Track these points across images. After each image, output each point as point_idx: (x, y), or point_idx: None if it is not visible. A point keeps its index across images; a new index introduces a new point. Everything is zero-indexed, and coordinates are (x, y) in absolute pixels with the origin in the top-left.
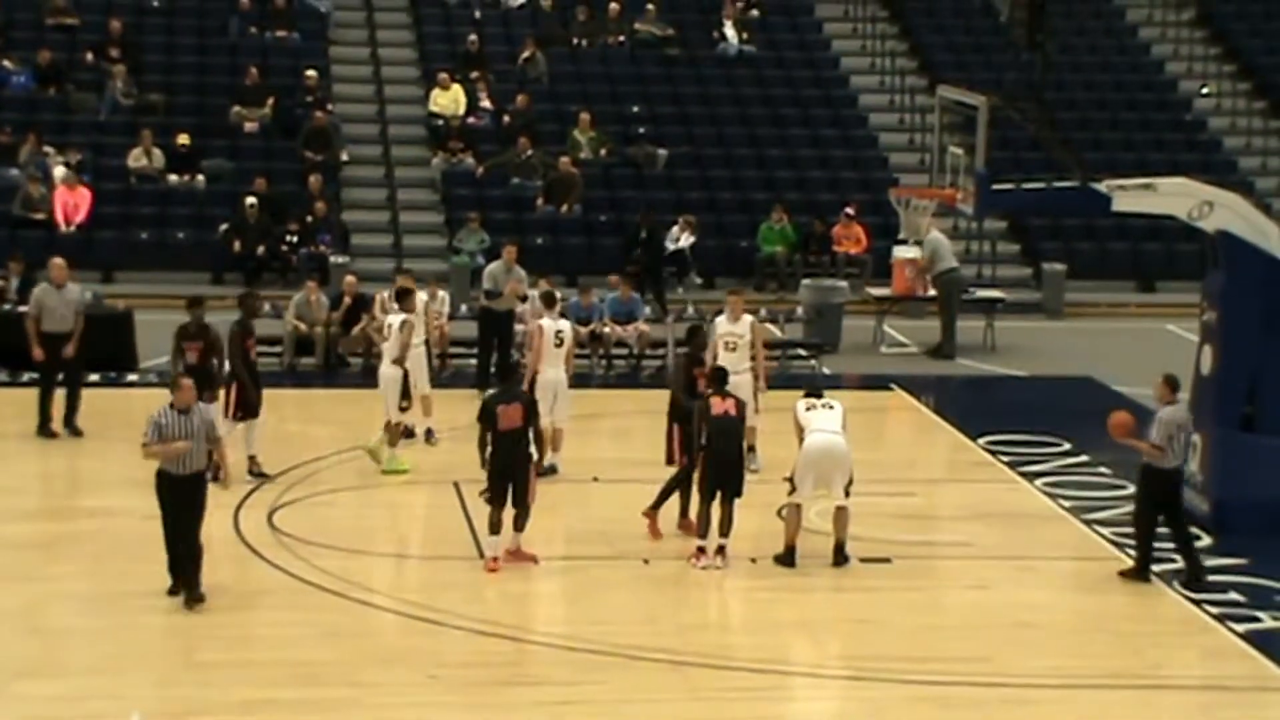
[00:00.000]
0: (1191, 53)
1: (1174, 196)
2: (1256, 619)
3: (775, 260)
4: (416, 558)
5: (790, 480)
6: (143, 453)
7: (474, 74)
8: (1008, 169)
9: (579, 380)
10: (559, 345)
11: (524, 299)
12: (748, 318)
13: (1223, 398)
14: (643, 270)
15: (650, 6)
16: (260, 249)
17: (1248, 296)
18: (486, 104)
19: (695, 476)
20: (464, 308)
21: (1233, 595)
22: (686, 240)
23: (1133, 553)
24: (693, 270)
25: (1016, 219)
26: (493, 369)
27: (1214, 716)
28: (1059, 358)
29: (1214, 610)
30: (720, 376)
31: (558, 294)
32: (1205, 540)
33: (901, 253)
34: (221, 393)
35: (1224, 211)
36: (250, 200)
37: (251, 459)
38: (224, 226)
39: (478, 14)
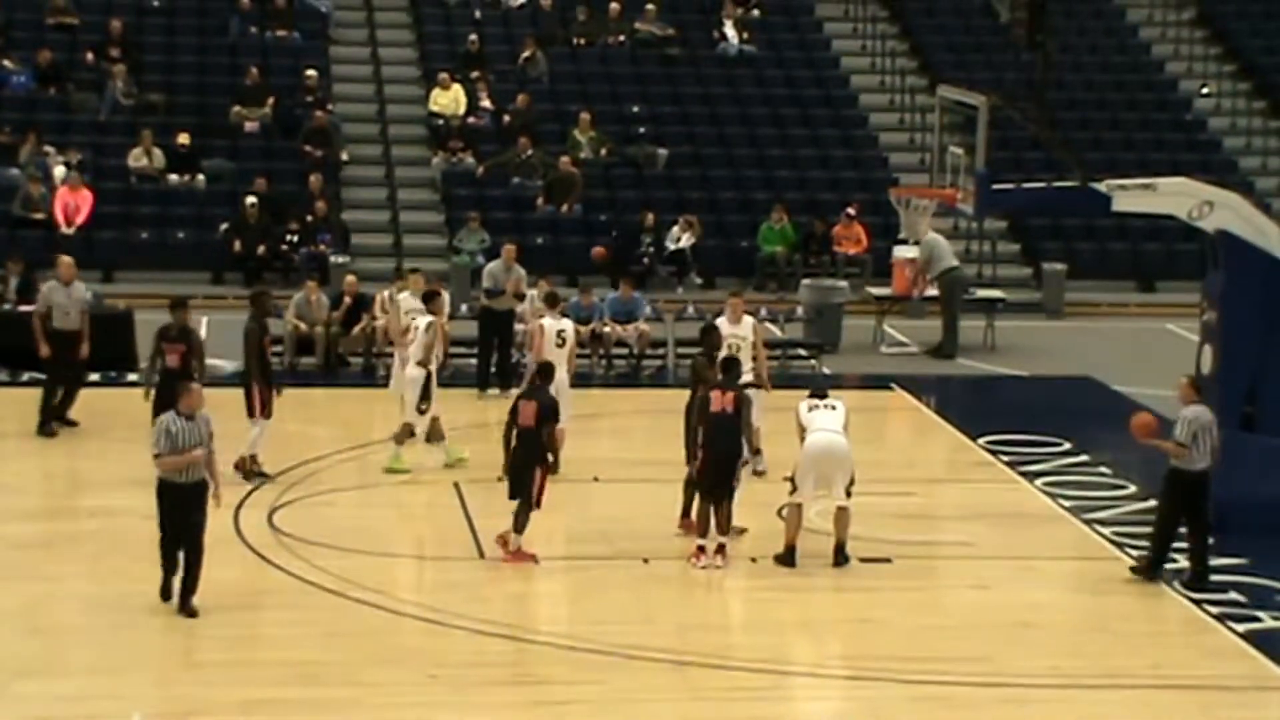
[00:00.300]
0: (1192, 53)
1: (1174, 196)
2: (1257, 619)
3: (775, 260)
4: (417, 558)
5: (791, 480)
6: (157, 464)
7: (474, 74)
8: (1008, 169)
9: (579, 380)
10: (560, 345)
11: (522, 298)
12: (749, 319)
13: (1223, 398)
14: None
15: (650, 6)
16: (260, 249)
17: (1248, 296)
18: (487, 104)
19: (693, 474)
20: (464, 307)
21: (1233, 595)
22: (687, 240)
23: (1133, 550)
24: (693, 270)
25: (1017, 219)
26: (493, 369)
27: (1214, 716)
28: (1059, 358)
29: (1214, 610)
30: (732, 367)
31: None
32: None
33: (902, 253)
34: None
35: (1224, 211)
36: (250, 200)
37: (252, 459)
38: (224, 226)
39: (478, 14)
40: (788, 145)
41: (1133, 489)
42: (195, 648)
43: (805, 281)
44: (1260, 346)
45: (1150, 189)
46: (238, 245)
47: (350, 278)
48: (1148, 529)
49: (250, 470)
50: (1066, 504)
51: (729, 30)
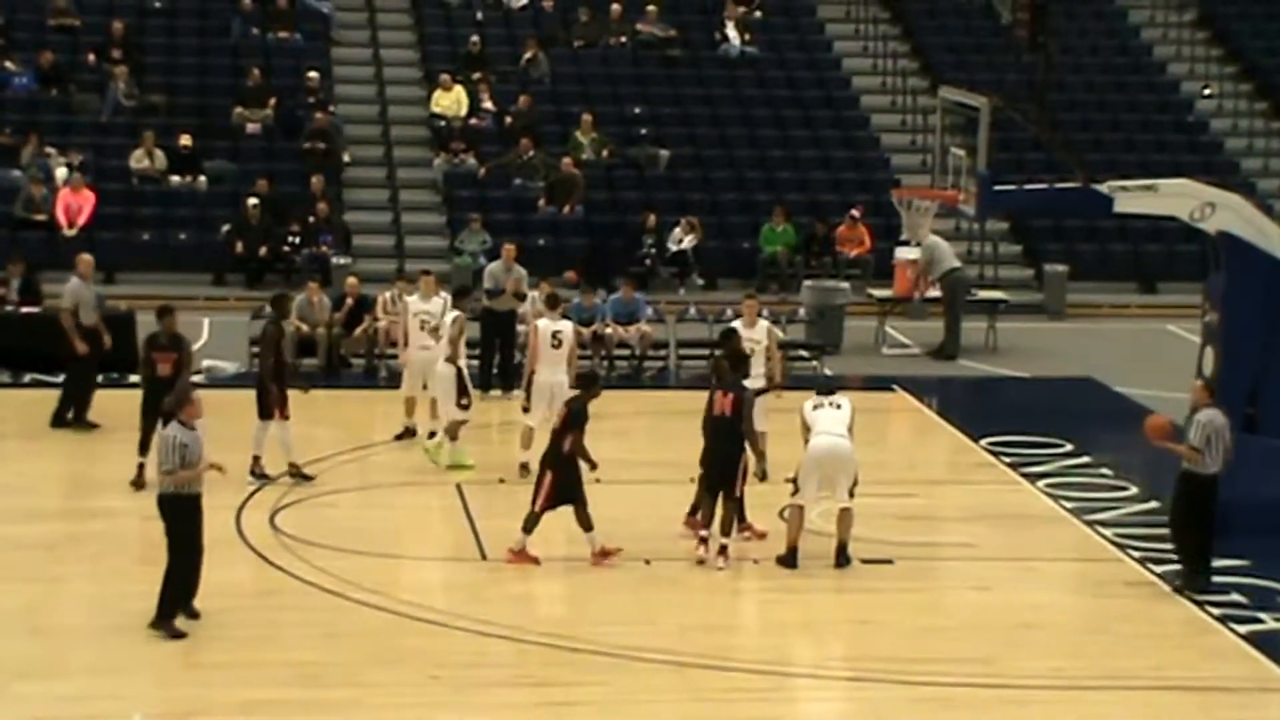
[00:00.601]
0: (1193, 54)
1: (1175, 198)
2: (1258, 620)
3: (777, 261)
4: (418, 558)
5: (794, 481)
6: (169, 480)
7: (476, 75)
8: (1009, 170)
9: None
10: (556, 346)
11: (523, 298)
12: (763, 322)
13: (1224, 399)
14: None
15: (652, 7)
16: (262, 250)
17: (1249, 298)
18: (488, 105)
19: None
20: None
21: (1234, 596)
22: (689, 242)
23: (1134, 552)
24: (695, 272)
25: (1018, 220)
26: (494, 369)
27: (1215, 718)
28: (1061, 359)
29: (1215, 611)
30: (736, 367)
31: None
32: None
33: (903, 254)
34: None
35: (1225, 213)
36: (252, 201)
37: (255, 459)
38: (226, 228)
39: (480, 15)
40: (789, 146)
41: (1134, 490)
42: (196, 648)
43: (807, 283)
44: (1261, 348)
45: (1152, 190)
46: (239, 246)
47: (352, 279)
48: (1148, 530)
49: (253, 471)
50: (1068, 505)
51: (730, 31)
